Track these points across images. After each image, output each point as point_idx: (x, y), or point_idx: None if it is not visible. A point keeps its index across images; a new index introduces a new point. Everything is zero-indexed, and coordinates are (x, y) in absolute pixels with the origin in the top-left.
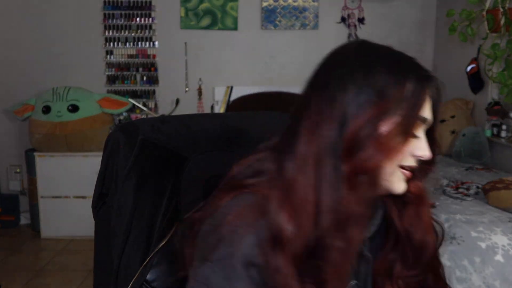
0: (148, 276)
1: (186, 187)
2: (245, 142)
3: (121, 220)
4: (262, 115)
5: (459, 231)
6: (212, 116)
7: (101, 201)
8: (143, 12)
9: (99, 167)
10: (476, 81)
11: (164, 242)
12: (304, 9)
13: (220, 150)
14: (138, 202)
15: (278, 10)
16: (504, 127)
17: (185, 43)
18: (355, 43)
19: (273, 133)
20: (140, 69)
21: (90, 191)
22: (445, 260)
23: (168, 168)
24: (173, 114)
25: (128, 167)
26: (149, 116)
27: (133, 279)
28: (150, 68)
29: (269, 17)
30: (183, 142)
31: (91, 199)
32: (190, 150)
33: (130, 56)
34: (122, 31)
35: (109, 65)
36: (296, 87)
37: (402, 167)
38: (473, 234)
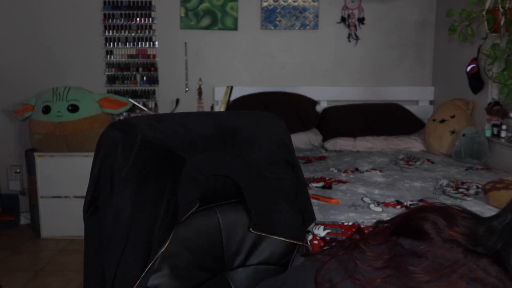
0: (150, 283)
1: (184, 188)
2: (239, 143)
3: (119, 225)
4: (256, 115)
5: None
6: (207, 115)
7: (92, 205)
8: (143, 12)
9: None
10: (476, 81)
11: (165, 246)
12: (304, 9)
13: (215, 150)
14: (137, 206)
15: (278, 10)
16: (504, 127)
17: (185, 43)
18: None
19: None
20: (140, 69)
21: None
22: None
23: (167, 168)
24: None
25: (127, 168)
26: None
27: (135, 286)
28: (150, 68)
29: (269, 17)
30: (180, 142)
31: None
32: (187, 150)
33: (130, 56)
34: (122, 31)
35: (109, 65)
36: (296, 87)
37: None
38: None
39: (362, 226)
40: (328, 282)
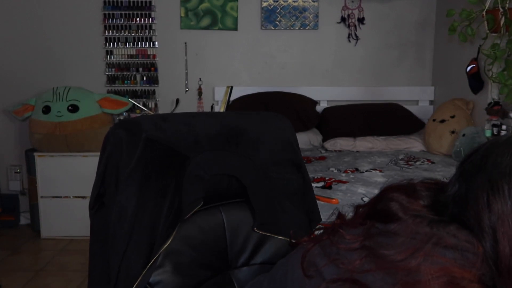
0: (151, 279)
1: (188, 187)
2: (244, 142)
3: (123, 222)
4: (260, 115)
5: None
6: (211, 115)
7: (98, 201)
8: (143, 12)
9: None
10: (476, 81)
11: (167, 243)
12: (304, 9)
13: (220, 149)
14: (140, 203)
15: (278, 10)
16: (504, 127)
17: (185, 43)
18: None
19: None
20: (140, 69)
21: (90, 191)
22: None
23: (171, 167)
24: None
25: (131, 166)
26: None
27: (137, 282)
28: (150, 68)
29: (269, 17)
30: (184, 141)
31: None
32: (191, 149)
33: (130, 56)
34: (122, 31)
35: (109, 65)
36: (296, 87)
37: None
38: None
39: None
40: (313, 267)
